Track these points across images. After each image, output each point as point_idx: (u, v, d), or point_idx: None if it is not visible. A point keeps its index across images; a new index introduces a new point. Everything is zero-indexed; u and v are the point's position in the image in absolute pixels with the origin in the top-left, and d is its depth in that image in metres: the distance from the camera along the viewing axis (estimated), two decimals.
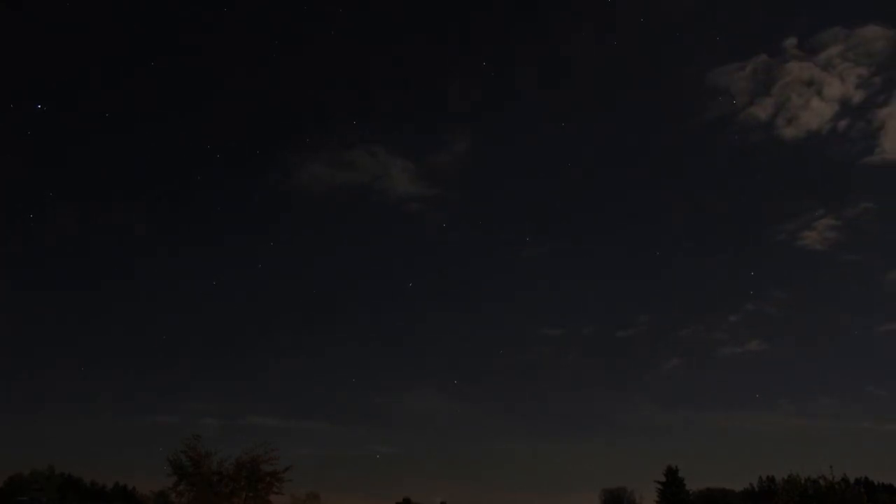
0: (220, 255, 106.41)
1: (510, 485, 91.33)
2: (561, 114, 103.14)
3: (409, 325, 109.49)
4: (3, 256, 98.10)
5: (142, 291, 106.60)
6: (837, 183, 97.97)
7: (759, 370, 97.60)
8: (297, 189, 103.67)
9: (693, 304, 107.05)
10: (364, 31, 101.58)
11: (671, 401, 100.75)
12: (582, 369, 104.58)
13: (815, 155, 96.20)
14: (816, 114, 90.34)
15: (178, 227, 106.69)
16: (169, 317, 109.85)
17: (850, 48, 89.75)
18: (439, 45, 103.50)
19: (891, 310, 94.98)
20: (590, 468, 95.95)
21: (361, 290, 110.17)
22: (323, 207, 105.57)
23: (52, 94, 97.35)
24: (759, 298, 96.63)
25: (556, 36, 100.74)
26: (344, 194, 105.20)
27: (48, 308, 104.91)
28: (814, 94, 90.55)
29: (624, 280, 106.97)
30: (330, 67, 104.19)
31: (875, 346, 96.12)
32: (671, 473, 59.09)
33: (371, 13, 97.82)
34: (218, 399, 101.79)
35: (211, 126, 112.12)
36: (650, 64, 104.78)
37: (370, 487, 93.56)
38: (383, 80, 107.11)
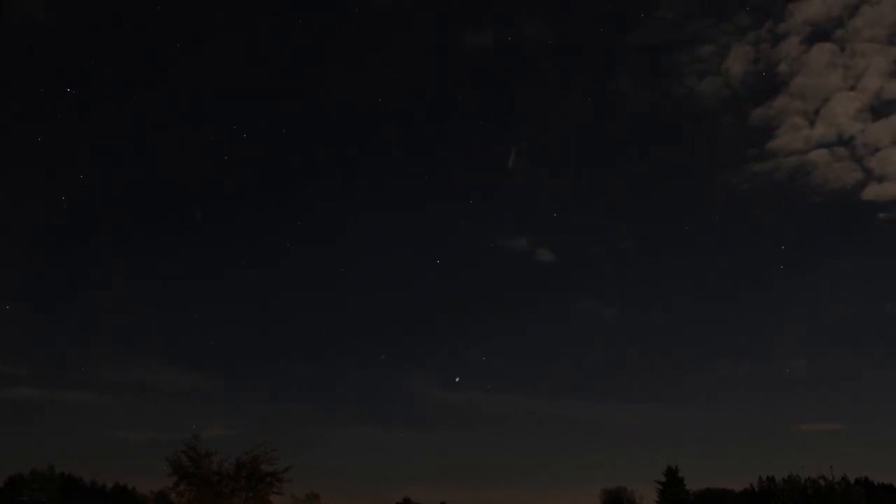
0: None
1: (510, 485, 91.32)
2: None
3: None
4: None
5: None
6: None
7: None
8: None
9: None
10: None
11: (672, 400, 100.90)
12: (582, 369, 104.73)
13: None
14: None
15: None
16: None
17: None
18: None
19: None
20: (590, 468, 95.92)
21: None
22: None
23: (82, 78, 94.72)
24: None
25: None
26: None
27: None
28: None
29: None
30: None
31: None
32: (671, 473, 58.93)
33: None
34: None
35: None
36: None
37: (370, 487, 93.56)
38: None
